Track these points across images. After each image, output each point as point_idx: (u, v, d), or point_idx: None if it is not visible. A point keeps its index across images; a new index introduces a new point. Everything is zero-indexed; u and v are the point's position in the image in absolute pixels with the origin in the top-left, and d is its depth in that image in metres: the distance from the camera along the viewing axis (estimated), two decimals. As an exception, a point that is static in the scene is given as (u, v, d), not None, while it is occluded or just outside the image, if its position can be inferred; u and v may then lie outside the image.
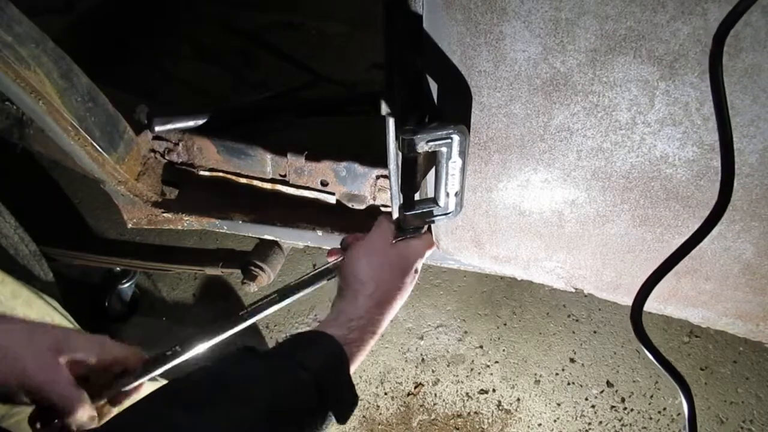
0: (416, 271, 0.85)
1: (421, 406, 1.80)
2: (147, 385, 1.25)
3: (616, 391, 1.81)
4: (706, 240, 0.67)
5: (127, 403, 0.78)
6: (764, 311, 0.89)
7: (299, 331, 1.96)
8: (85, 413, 0.68)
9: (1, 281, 1.10)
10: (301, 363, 0.63)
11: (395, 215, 0.91)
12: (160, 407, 0.56)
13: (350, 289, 0.78)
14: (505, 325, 1.98)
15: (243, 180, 1.39)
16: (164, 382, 0.66)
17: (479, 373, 1.86)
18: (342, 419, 0.65)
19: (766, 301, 0.87)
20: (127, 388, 0.78)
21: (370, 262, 0.80)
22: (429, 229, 0.98)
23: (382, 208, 1.27)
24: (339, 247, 0.90)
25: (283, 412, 0.58)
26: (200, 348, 0.81)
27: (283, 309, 2.08)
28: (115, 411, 0.77)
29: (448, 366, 1.89)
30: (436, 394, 1.82)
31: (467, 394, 1.82)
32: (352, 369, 0.70)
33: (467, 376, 1.86)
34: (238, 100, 1.61)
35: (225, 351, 0.64)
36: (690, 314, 0.97)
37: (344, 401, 0.66)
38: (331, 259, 0.88)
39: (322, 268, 0.89)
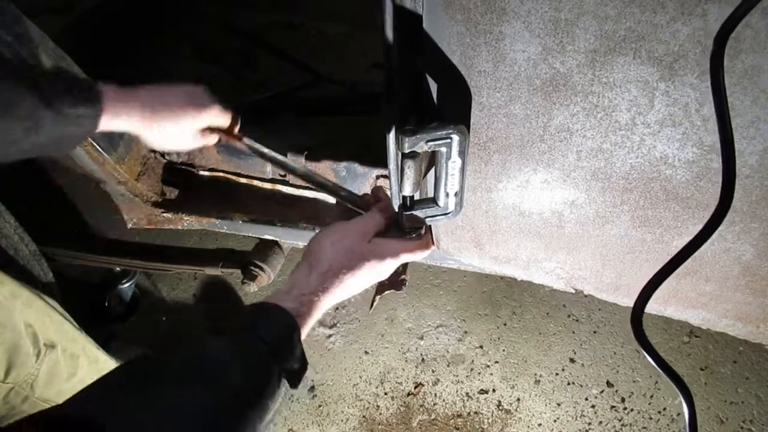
0: (386, 269, 0.83)
1: (421, 406, 1.80)
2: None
3: (616, 391, 1.81)
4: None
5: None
6: (764, 313, 0.89)
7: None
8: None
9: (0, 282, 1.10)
10: (259, 337, 0.67)
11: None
12: (126, 386, 0.57)
13: (306, 263, 0.81)
14: (505, 325, 1.98)
15: (243, 180, 1.39)
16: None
17: (479, 373, 1.86)
18: (294, 385, 0.71)
19: (767, 302, 0.87)
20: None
21: (335, 243, 0.81)
22: (429, 230, 0.98)
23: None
24: (378, 190, 0.93)
25: (249, 387, 0.62)
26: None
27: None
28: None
29: (448, 366, 1.89)
30: (436, 394, 1.82)
31: (467, 394, 1.82)
32: (302, 337, 0.75)
33: (467, 376, 1.86)
34: (238, 100, 1.61)
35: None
36: (690, 316, 0.97)
37: (297, 369, 0.72)
38: (365, 195, 0.95)
39: (354, 195, 1.00)
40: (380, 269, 0.82)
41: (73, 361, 1.22)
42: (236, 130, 1.11)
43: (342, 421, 1.78)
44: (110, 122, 0.89)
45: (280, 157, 1.12)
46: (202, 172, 1.41)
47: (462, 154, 0.78)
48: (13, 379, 1.08)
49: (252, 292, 1.77)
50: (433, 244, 1.02)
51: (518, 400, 1.80)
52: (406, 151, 0.76)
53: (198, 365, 0.61)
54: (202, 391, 0.57)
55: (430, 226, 0.96)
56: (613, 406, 1.78)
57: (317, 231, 1.33)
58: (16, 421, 0.51)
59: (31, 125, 0.79)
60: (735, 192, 0.65)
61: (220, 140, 1.09)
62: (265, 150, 1.11)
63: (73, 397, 0.55)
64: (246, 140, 1.11)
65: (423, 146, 0.75)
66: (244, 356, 0.64)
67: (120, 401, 0.54)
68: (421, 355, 1.92)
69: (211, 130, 1.06)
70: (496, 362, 1.89)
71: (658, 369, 0.71)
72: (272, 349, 0.67)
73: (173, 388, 0.56)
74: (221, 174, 1.39)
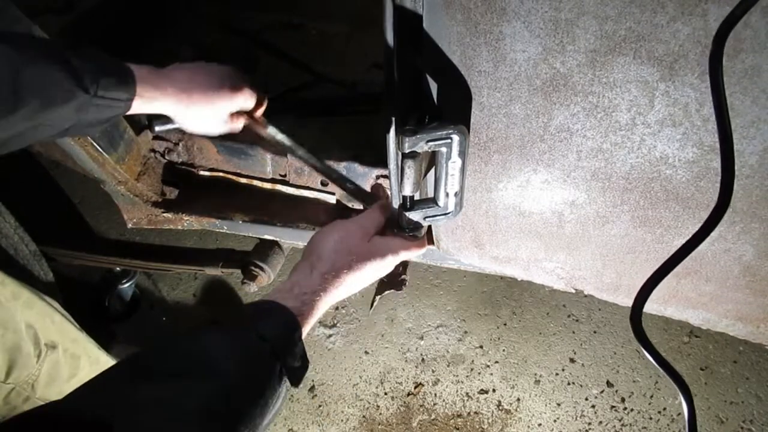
0: (386, 267, 0.84)
1: (421, 406, 1.80)
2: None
3: (616, 391, 1.81)
4: (706, 241, 0.66)
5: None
6: (764, 313, 0.89)
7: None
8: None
9: (1, 282, 1.10)
10: (260, 334, 0.67)
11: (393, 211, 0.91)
12: (129, 381, 0.58)
13: (308, 262, 0.81)
14: (505, 325, 1.98)
15: (243, 180, 1.39)
16: None
17: (479, 373, 1.86)
18: (296, 383, 0.71)
19: (767, 302, 0.87)
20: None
21: (336, 243, 0.81)
22: (429, 230, 0.98)
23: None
24: (378, 188, 0.92)
25: (250, 385, 0.63)
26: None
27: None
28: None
29: (448, 366, 1.88)
30: (436, 394, 1.82)
31: (467, 394, 1.82)
32: (303, 336, 0.75)
33: (467, 376, 1.86)
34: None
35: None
36: (690, 316, 0.97)
37: (298, 368, 0.72)
38: (371, 188, 0.93)
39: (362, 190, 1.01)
40: (381, 268, 0.82)
41: (74, 362, 1.22)
42: (260, 113, 1.08)
43: (342, 421, 1.78)
44: (143, 105, 0.87)
45: (301, 150, 1.10)
46: (202, 172, 1.41)
47: (462, 154, 0.78)
48: (14, 380, 1.08)
49: (252, 292, 1.76)
50: (429, 243, 1.02)
51: (518, 400, 1.80)
52: (406, 151, 0.76)
53: (199, 363, 0.61)
54: (204, 389, 0.58)
55: (429, 226, 0.96)
56: (613, 406, 1.78)
57: (317, 230, 1.34)
58: (20, 414, 0.51)
59: (66, 108, 0.77)
60: (735, 192, 0.65)
61: (245, 127, 1.07)
62: (288, 142, 1.09)
63: (75, 392, 0.55)
64: (270, 129, 1.09)
65: (423, 146, 0.76)
66: (246, 355, 0.65)
67: (123, 398, 0.55)
68: (421, 355, 1.92)
69: (239, 113, 1.03)
70: (496, 362, 1.89)
71: (658, 366, 0.71)
72: (273, 348, 0.67)
73: (175, 386, 0.57)
74: (221, 174, 1.39)
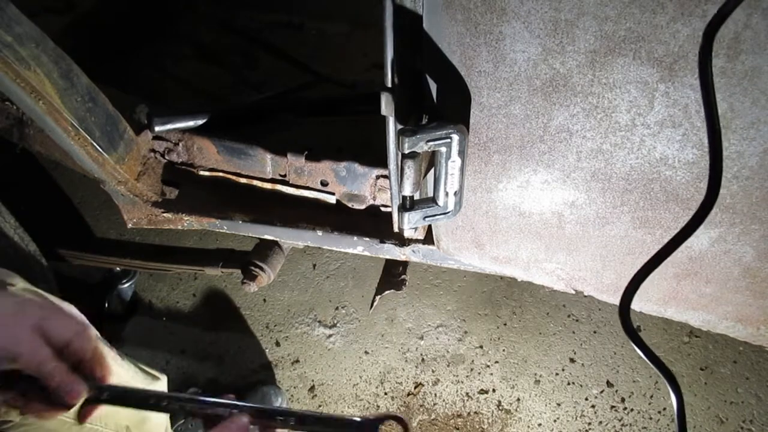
0: None
1: (421, 406, 1.80)
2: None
3: (616, 391, 1.81)
4: (706, 243, 0.66)
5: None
6: (765, 315, 0.89)
7: (298, 331, 1.96)
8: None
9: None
10: None
11: (395, 216, 0.91)
12: None
13: None
14: (505, 325, 1.98)
15: (243, 180, 1.39)
16: None
17: (479, 373, 1.86)
18: None
19: (767, 304, 0.87)
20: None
21: None
22: (429, 232, 0.98)
23: (382, 208, 1.27)
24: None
25: None
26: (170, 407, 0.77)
27: (283, 308, 2.06)
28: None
29: (448, 366, 1.88)
30: (436, 394, 1.82)
31: (467, 394, 1.82)
32: None
33: (467, 376, 1.86)
34: (239, 100, 1.61)
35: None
36: (690, 317, 0.97)
37: None
38: None
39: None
40: None
41: (74, 361, 1.22)
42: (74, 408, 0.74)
43: (342, 421, 1.78)
44: None
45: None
46: (202, 172, 1.41)
47: (462, 153, 0.78)
48: (13, 379, 1.08)
49: (252, 292, 1.77)
50: (429, 243, 1.01)
51: (518, 400, 1.80)
52: (406, 151, 0.76)
53: None
54: None
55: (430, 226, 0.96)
56: (613, 406, 1.78)
57: (318, 233, 1.33)
58: None
59: None
60: (735, 194, 0.65)
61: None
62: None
63: None
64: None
65: (423, 146, 0.76)
66: None
67: None
68: (421, 355, 1.92)
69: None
70: (496, 362, 1.88)
71: (645, 359, 0.71)
72: None
73: None
74: (221, 174, 1.39)
